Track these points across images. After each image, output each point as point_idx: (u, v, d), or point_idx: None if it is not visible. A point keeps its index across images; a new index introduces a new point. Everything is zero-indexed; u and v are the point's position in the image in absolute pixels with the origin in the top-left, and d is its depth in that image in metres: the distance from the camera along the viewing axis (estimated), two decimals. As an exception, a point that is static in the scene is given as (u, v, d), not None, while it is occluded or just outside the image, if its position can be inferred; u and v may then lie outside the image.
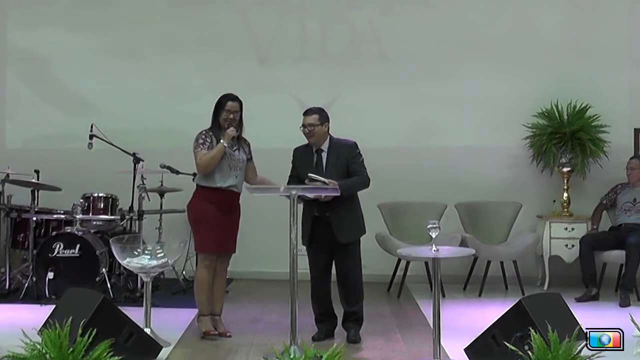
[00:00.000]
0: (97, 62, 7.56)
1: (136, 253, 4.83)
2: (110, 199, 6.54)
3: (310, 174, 4.72)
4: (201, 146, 4.87)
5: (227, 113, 4.91)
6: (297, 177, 4.96)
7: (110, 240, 5.00)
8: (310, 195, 4.71)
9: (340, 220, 4.84)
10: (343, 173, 4.85)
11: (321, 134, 4.92)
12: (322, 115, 4.93)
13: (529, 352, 3.53)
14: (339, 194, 4.63)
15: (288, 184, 4.94)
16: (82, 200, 6.46)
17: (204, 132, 4.95)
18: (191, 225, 5.02)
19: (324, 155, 4.94)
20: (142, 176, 6.32)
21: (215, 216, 4.86)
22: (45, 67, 7.70)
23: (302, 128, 4.93)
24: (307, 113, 4.95)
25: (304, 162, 4.97)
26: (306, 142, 5.01)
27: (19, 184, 6.42)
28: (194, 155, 4.92)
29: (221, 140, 4.85)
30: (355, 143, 4.99)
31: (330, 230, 4.83)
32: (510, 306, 4.04)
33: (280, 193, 4.82)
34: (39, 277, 6.11)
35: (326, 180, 4.67)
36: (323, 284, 4.97)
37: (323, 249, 4.92)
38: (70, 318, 3.65)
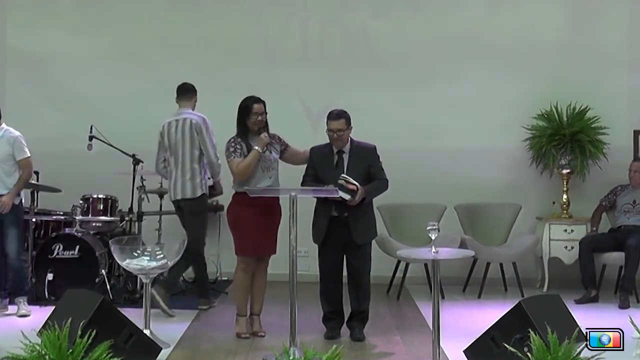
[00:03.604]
0: (96, 63, 7.56)
1: (136, 254, 4.83)
2: (110, 200, 6.54)
3: (343, 175, 4.78)
4: (233, 154, 4.91)
5: (255, 116, 4.95)
6: (314, 176, 5.00)
7: (109, 242, 5.01)
8: (347, 196, 4.73)
9: (358, 221, 4.92)
10: (364, 176, 4.92)
11: (347, 137, 4.99)
12: (347, 118, 4.98)
13: (528, 353, 3.52)
14: (337, 196, 4.68)
15: (303, 182, 5.00)
16: (81, 202, 6.46)
17: (232, 139, 4.98)
18: (230, 229, 5.11)
19: (345, 157, 4.99)
20: (141, 177, 6.33)
21: (253, 220, 4.90)
22: (44, 68, 7.70)
23: (329, 133, 4.96)
24: (333, 118, 4.96)
25: (324, 163, 5.01)
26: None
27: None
28: (227, 164, 4.99)
29: (255, 147, 4.88)
30: (375, 147, 5.06)
31: (346, 231, 4.90)
32: (510, 308, 4.03)
33: (279, 194, 4.86)
34: (39, 278, 6.11)
35: (358, 185, 4.75)
36: (335, 283, 5.05)
37: (337, 249, 4.99)
38: (70, 319, 3.64)
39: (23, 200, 5.81)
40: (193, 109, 6.06)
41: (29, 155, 5.74)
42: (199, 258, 5.92)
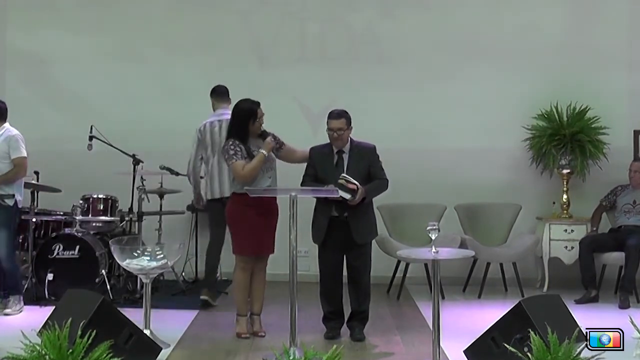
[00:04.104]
0: (97, 63, 7.56)
1: (136, 254, 4.83)
2: (110, 200, 6.54)
3: (344, 175, 4.79)
4: (234, 157, 4.88)
5: (260, 120, 4.98)
6: (314, 176, 5.01)
7: (109, 242, 5.01)
8: (347, 195, 4.74)
9: (358, 221, 4.92)
10: (364, 175, 4.93)
11: (347, 137, 5.00)
12: (348, 118, 4.99)
13: (528, 353, 3.52)
14: (337, 196, 4.68)
15: (303, 182, 5.01)
16: (81, 202, 6.47)
17: (230, 142, 4.95)
18: (229, 228, 5.12)
19: (345, 157, 5.00)
20: (141, 177, 6.33)
21: (252, 219, 4.91)
22: (44, 68, 7.70)
23: (330, 132, 4.97)
24: (334, 117, 4.96)
25: (323, 163, 5.01)
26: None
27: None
28: (229, 166, 4.98)
29: (261, 150, 4.88)
30: (375, 146, 5.07)
31: (346, 231, 4.91)
32: (510, 308, 4.03)
33: (279, 194, 4.86)
34: (39, 279, 6.11)
35: (358, 185, 4.76)
36: (335, 283, 5.05)
37: (337, 249, 5.00)
38: (70, 319, 3.64)
39: (19, 203, 5.76)
40: None
41: (23, 155, 5.70)
42: None
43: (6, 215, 5.64)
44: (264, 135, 5.00)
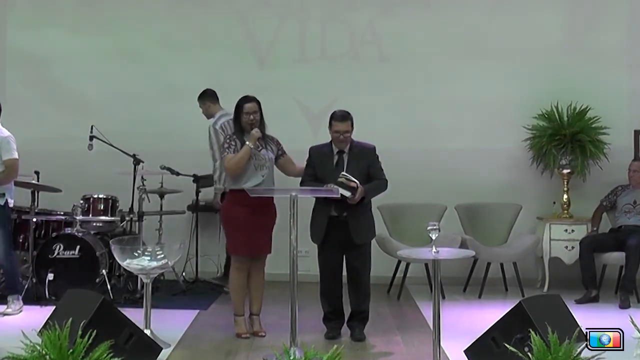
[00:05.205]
0: (97, 63, 7.56)
1: (136, 254, 4.83)
2: (110, 200, 6.54)
3: (344, 173, 4.81)
4: (227, 150, 4.95)
5: (246, 115, 4.97)
6: (313, 175, 5.01)
7: (110, 242, 5.01)
8: (347, 193, 4.76)
9: (357, 221, 4.93)
10: (364, 175, 4.94)
11: (350, 138, 5.00)
12: (352, 120, 4.99)
13: (528, 353, 3.52)
14: (338, 196, 4.68)
15: (302, 182, 5.01)
16: (82, 202, 6.46)
17: (227, 136, 5.03)
18: (223, 228, 5.16)
19: (345, 157, 5.00)
20: (142, 177, 6.33)
21: (246, 218, 4.91)
22: (45, 68, 7.70)
23: (336, 134, 4.96)
24: (340, 119, 4.95)
25: (323, 162, 5.01)
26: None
27: (19, 185, 6.39)
28: (222, 159, 5.09)
29: (246, 142, 4.90)
30: (375, 147, 5.08)
31: (345, 231, 4.91)
32: (510, 308, 4.04)
33: (279, 194, 4.86)
34: (39, 278, 6.12)
35: (358, 183, 4.78)
36: (335, 283, 5.05)
37: (336, 249, 5.00)
38: (70, 319, 3.64)
39: (10, 202, 5.73)
40: None
41: (15, 157, 5.67)
42: None
43: (0, 215, 5.64)
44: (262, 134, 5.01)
